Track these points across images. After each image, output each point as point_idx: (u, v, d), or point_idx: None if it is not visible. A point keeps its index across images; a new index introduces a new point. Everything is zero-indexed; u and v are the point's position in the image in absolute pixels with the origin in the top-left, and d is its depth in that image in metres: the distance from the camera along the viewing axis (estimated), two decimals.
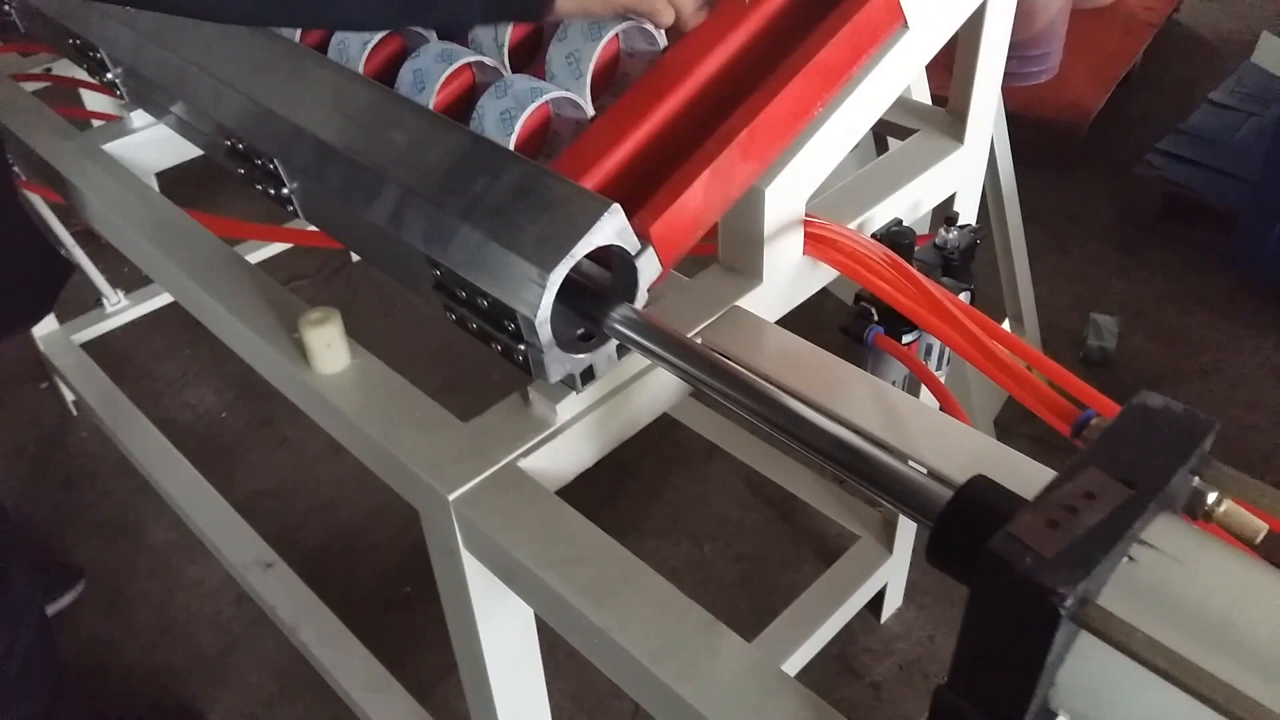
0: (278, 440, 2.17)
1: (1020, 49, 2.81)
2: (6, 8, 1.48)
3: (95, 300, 2.32)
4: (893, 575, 1.65)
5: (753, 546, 1.86)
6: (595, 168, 0.91)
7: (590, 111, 0.97)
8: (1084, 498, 0.53)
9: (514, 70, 1.02)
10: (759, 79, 0.95)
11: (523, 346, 0.82)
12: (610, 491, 1.98)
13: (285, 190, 1.04)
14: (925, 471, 0.68)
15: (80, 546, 2.00)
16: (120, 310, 2.30)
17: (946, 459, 0.79)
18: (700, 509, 1.94)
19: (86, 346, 2.25)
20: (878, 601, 1.70)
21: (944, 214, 1.17)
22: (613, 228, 0.80)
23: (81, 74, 1.56)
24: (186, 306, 1.09)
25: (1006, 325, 1.97)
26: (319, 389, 0.92)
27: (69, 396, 2.28)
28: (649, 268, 0.85)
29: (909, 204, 1.15)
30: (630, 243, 0.82)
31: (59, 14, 1.32)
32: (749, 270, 1.01)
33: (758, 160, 0.92)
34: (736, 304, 0.99)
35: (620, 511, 1.95)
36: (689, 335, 0.95)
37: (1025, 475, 0.75)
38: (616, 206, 0.79)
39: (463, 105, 1.02)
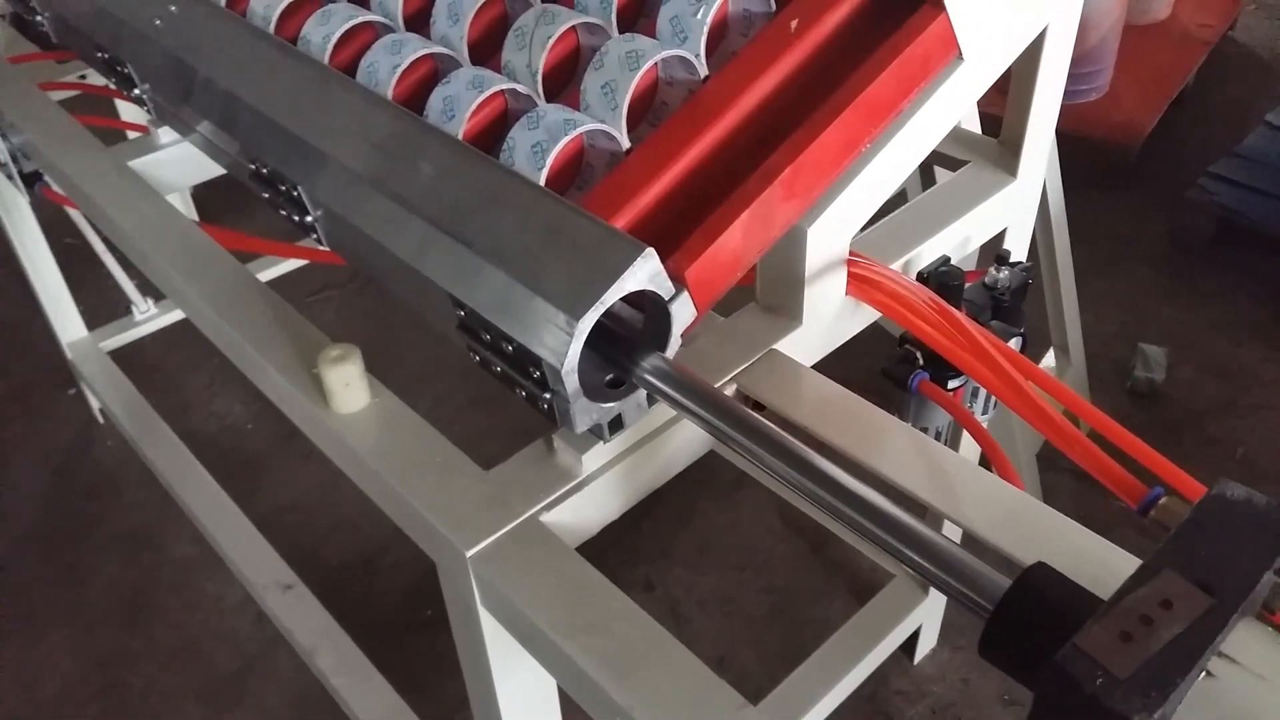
0: (303, 454, 2.14)
1: (1070, 66, 2.74)
2: (39, 18, 1.46)
3: (124, 308, 2.30)
4: (928, 616, 1.59)
5: (783, 578, 1.81)
6: (629, 205, 0.87)
7: (626, 144, 0.92)
8: (1159, 606, 0.48)
9: (548, 98, 0.98)
10: (804, 112, 0.90)
11: (548, 395, 0.78)
12: (638, 516, 1.93)
13: (309, 218, 1.01)
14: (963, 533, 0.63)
15: (100, 558, 1.98)
16: (149, 318, 2.28)
17: (996, 527, 0.73)
18: (730, 537, 1.89)
19: (114, 354, 2.23)
20: (911, 641, 1.64)
21: (995, 251, 1.12)
22: (645, 273, 0.76)
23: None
24: (205, 333, 1.06)
25: (1051, 355, 1.91)
26: (336, 429, 0.88)
27: (95, 404, 2.26)
28: (683, 313, 0.81)
29: (958, 240, 1.10)
30: (664, 287, 0.78)
31: (89, 27, 1.29)
32: (788, 311, 0.96)
33: (801, 199, 0.87)
34: (774, 347, 0.94)
35: (647, 537, 1.90)
36: (725, 379, 0.91)
37: (1082, 550, 0.70)
38: (650, 251, 0.75)
39: (494, 133, 0.98)
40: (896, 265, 1.03)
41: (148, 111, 1.28)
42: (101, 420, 2.28)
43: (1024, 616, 0.53)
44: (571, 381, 0.75)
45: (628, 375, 0.79)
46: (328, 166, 0.95)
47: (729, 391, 0.91)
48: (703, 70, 0.94)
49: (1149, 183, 2.79)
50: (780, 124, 0.91)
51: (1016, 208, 1.17)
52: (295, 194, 1.00)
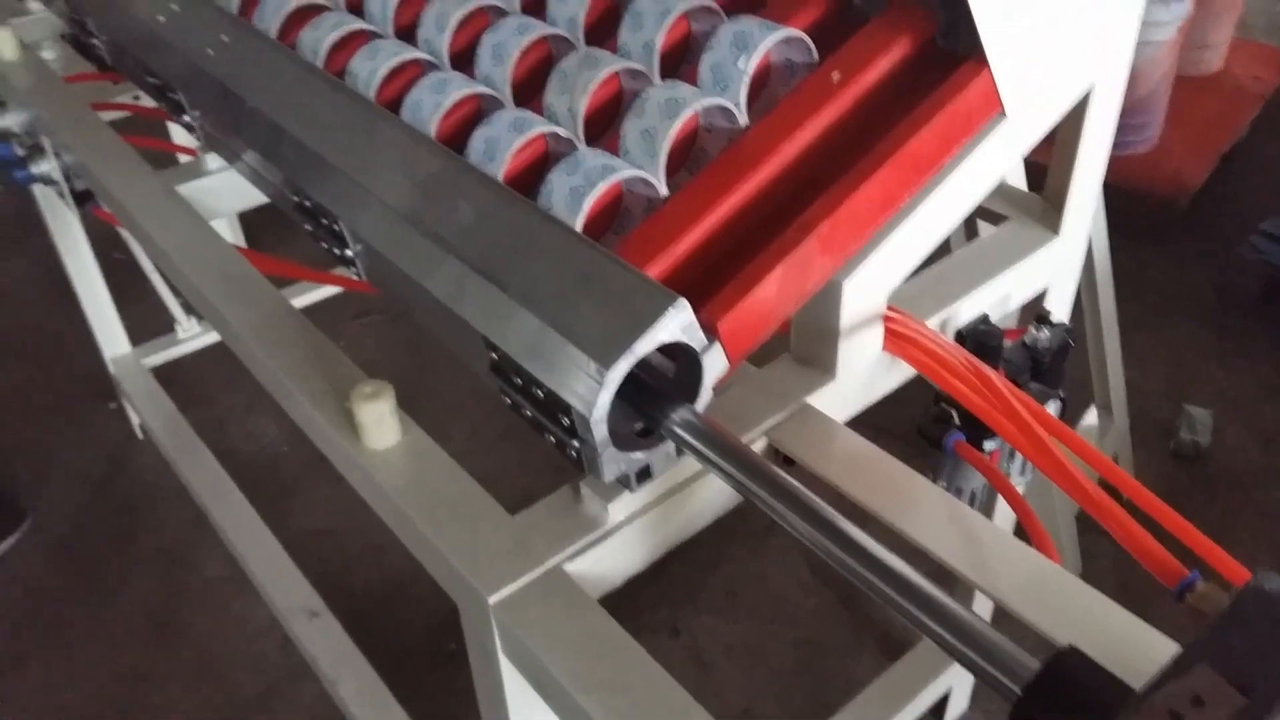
0: (334, 477, 2.12)
1: (1119, 116, 2.71)
2: (96, 41, 1.50)
3: (168, 323, 2.33)
4: (959, 678, 1.56)
5: (811, 631, 1.78)
6: (664, 252, 0.86)
7: (664, 191, 0.92)
8: (1192, 703, 0.46)
9: (588, 141, 0.98)
10: (844, 164, 0.89)
11: (577, 442, 0.78)
12: (667, 557, 1.92)
13: (349, 252, 1.02)
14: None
15: (131, 573, 2.00)
16: (192, 337, 2.31)
17: (1029, 602, 0.72)
18: (758, 586, 1.87)
19: (155, 370, 2.26)
20: (941, 703, 1.60)
21: (1036, 309, 1.10)
22: (678, 324, 0.75)
23: None
24: (242, 359, 1.06)
25: (1094, 413, 1.87)
26: (366, 465, 0.88)
27: (135, 420, 2.29)
28: (715, 364, 0.80)
29: (998, 298, 1.09)
30: (696, 338, 0.77)
31: (143, 53, 1.32)
32: (822, 364, 0.95)
33: (838, 253, 0.87)
34: (807, 400, 0.93)
35: (675, 581, 1.88)
36: (755, 431, 0.90)
37: (1117, 630, 0.68)
38: (683, 302, 0.74)
39: (533, 176, 0.98)
40: (934, 321, 1.02)
41: (196, 138, 1.30)
42: (141, 436, 2.31)
43: (1053, 703, 0.52)
44: (600, 431, 0.75)
45: (657, 427, 0.79)
46: (369, 203, 0.96)
47: (760, 445, 0.90)
48: (743, 119, 0.94)
49: (1197, 237, 2.75)
50: (819, 176, 0.90)
51: (1059, 266, 1.15)
52: (336, 228, 1.01)
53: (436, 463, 0.88)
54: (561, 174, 0.91)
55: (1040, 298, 1.17)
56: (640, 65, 1.00)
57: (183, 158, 2.27)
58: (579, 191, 0.89)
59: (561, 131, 0.97)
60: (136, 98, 1.90)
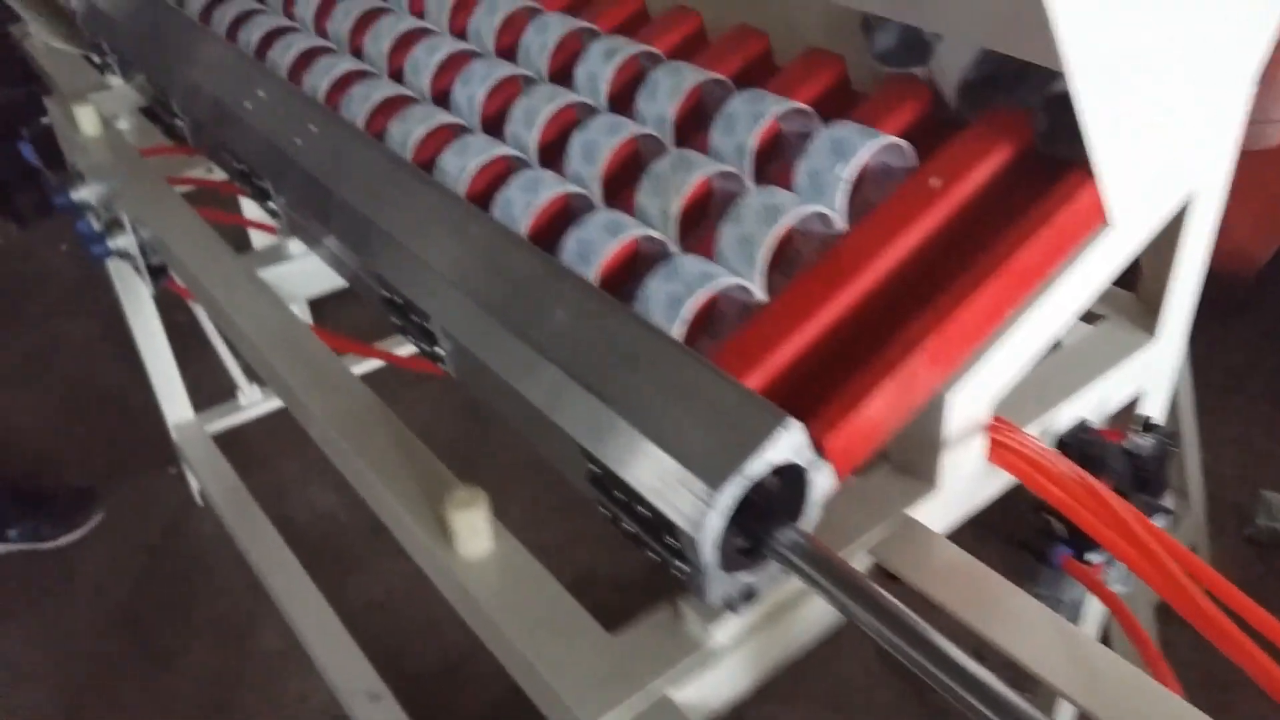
0: (393, 549, 2.12)
1: None
2: (178, 120, 1.52)
3: (228, 387, 2.35)
4: None
5: None
6: (764, 361, 0.85)
7: (761, 297, 0.91)
8: None
9: (679, 240, 0.98)
10: (945, 273, 0.88)
11: (682, 563, 0.76)
12: None
13: (438, 349, 1.01)
14: None
15: (188, 644, 1.99)
16: (254, 404, 2.33)
17: None
18: (826, 673, 1.83)
19: (217, 437, 2.28)
20: None
21: (1134, 416, 1.07)
22: (790, 445, 0.73)
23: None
24: (328, 454, 1.06)
25: (1169, 499, 1.82)
26: (459, 575, 0.87)
27: (195, 485, 2.30)
28: (823, 483, 0.78)
29: (1094, 403, 1.06)
30: (806, 458, 0.75)
31: (229, 139, 1.34)
32: (923, 474, 0.93)
33: (945, 368, 0.85)
34: (907, 513, 0.91)
35: None
36: (857, 545, 0.88)
37: None
38: (793, 422, 0.73)
39: (625, 276, 0.97)
40: (1033, 428, 1.00)
41: (279, 223, 1.32)
42: (200, 503, 2.32)
43: None
44: (708, 554, 0.73)
45: (763, 547, 0.77)
46: (461, 303, 0.96)
47: (864, 560, 0.87)
48: (840, 225, 0.93)
49: (1265, 313, 2.70)
50: (919, 283, 0.89)
51: (1154, 370, 1.12)
52: (426, 325, 1.00)
53: (532, 575, 0.87)
54: (659, 280, 0.90)
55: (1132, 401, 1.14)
56: (733, 167, 0.99)
57: (254, 233, 2.31)
58: (678, 298, 0.88)
59: (655, 233, 0.97)
60: (209, 170, 1.93)
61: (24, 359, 2.83)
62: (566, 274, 0.92)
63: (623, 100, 1.14)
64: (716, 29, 1.20)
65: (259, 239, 2.36)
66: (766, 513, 0.77)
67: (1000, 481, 0.99)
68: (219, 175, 1.93)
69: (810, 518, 0.79)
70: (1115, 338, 1.10)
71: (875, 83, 1.06)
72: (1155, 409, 1.16)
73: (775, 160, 1.06)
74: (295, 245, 1.37)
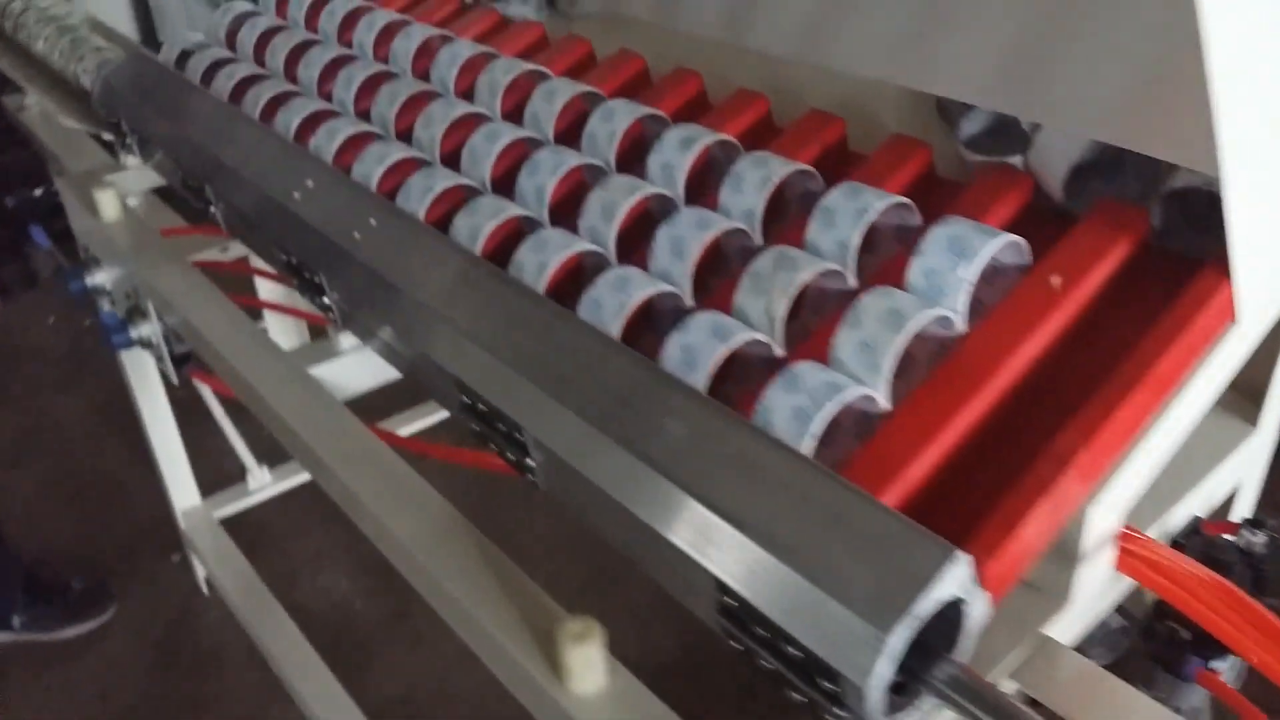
0: (414, 637, 2.06)
1: None
2: (212, 209, 1.46)
3: (239, 473, 2.26)
4: None
5: None
6: (899, 478, 0.80)
7: (886, 406, 0.86)
8: None
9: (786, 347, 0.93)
10: (1075, 378, 0.84)
11: (837, 708, 0.71)
12: None
13: (529, 460, 0.96)
14: None
15: None
16: (263, 488, 2.24)
17: None
18: None
19: (225, 522, 2.19)
20: None
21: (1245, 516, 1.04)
22: (956, 580, 0.69)
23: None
24: (407, 577, 0.99)
25: None
26: (573, 713, 0.81)
27: (201, 573, 2.21)
28: (980, 613, 0.73)
29: (1202, 499, 1.03)
30: (967, 590, 0.71)
31: (274, 229, 1.28)
32: (1056, 589, 0.88)
33: (1091, 482, 0.81)
34: (1043, 631, 0.86)
35: None
36: (998, 670, 0.83)
37: None
38: (964, 555, 0.68)
39: (730, 382, 0.93)
40: (1152, 531, 0.96)
41: (330, 318, 1.26)
42: (207, 592, 2.22)
43: None
44: (876, 700, 0.67)
45: (921, 684, 0.72)
46: (556, 413, 0.90)
47: (1010, 687, 0.82)
48: (960, 327, 0.89)
49: None
50: (1045, 389, 0.85)
51: (1253, 461, 1.09)
52: (518, 436, 0.95)
53: (651, 711, 0.81)
54: (781, 391, 0.85)
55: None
56: (836, 265, 0.95)
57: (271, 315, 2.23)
58: (805, 413, 0.83)
59: (761, 336, 0.92)
60: (224, 249, 1.87)
61: (12, 439, 2.73)
62: (674, 382, 0.87)
63: (698, 191, 1.10)
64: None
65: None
66: (925, 649, 0.71)
67: (1121, 588, 0.94)
68: (234, 252, 1.88)
69: (965, 649, 0.74)
70: (1220, 430, 1.06)
71: (953, 167, 1.04)
72: (1248, 502, 1.13)
73: (872, 254, 1.02)
74: (347, 338, 1.31)
